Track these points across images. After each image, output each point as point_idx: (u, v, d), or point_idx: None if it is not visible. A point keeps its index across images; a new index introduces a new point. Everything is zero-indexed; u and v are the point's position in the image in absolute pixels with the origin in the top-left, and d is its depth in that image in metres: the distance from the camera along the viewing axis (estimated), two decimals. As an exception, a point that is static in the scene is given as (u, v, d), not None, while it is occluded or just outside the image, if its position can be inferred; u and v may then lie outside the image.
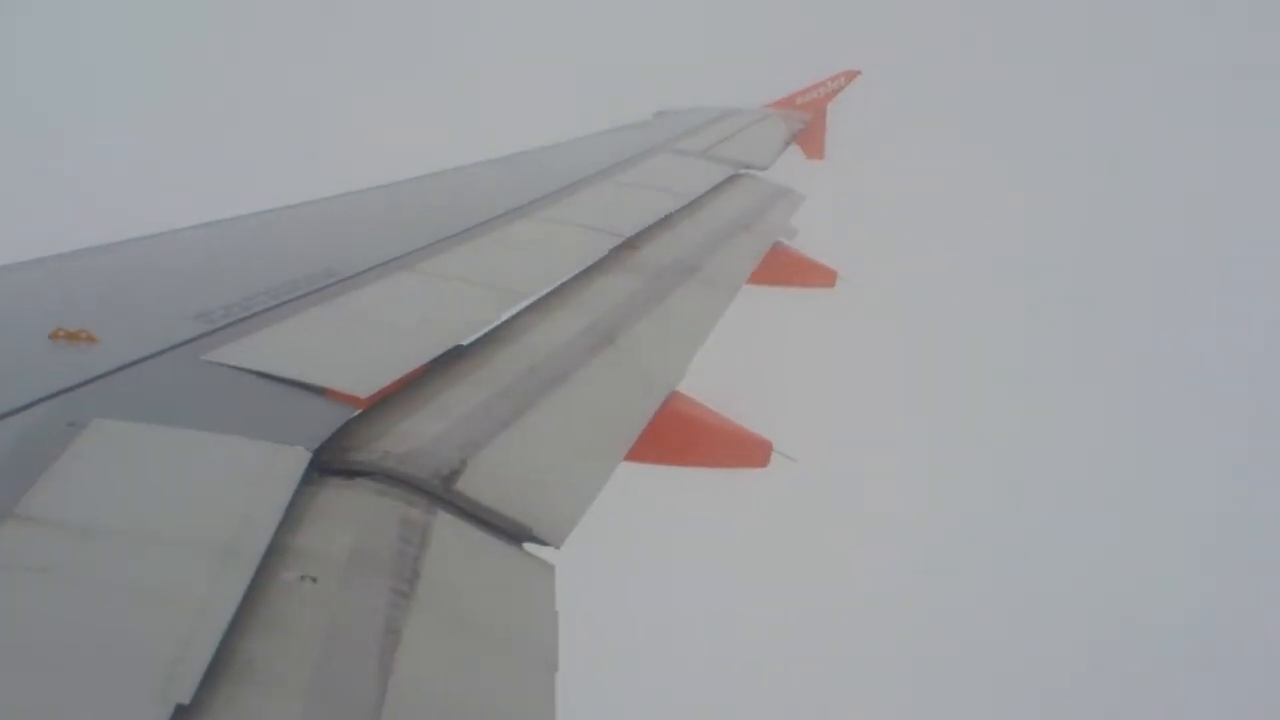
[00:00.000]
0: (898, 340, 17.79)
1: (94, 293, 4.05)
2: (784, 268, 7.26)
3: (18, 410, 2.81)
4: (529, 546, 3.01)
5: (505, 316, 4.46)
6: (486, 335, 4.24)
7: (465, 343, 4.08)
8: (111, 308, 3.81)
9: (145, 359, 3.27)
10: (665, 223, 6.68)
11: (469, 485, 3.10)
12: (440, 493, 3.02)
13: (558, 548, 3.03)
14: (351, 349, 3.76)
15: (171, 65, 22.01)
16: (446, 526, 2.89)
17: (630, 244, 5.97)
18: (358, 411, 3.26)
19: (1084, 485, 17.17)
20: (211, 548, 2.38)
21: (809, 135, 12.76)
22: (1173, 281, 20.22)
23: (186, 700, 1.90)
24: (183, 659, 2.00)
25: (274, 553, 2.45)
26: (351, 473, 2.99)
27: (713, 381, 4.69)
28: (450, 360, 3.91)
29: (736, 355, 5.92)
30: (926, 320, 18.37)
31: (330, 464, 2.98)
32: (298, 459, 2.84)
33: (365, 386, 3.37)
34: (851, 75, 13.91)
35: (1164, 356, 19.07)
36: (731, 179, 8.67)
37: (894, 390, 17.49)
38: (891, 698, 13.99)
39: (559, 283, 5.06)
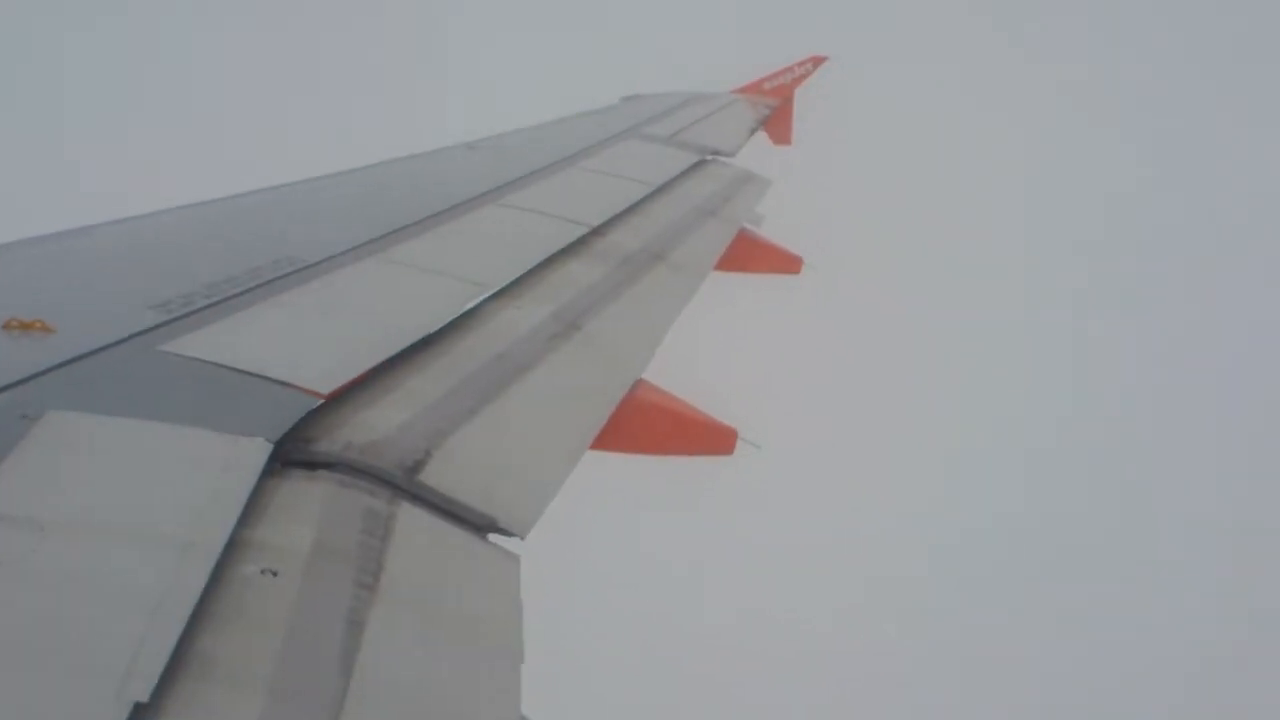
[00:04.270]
0: (863, 327, 17.83)
1: (49, 282, 3.98)
2: (750, 254, 7.25)
3: None
4: (494, 537, 2.99)
5: (471, 305, 4.43)
6: (451, 323, 4.21)
7: (430, 332, 4.05)
8: (67, 297, 3.75)
9: (102, 349, 3.22)
10: (632, 209, 6.66)
11: (433, 476, 3.08)
12: (404, 484, 3.00)
13: (523, 538, 3.01)
14: (314, 340, 3.72)
15: (128, 50, 21.72)
16: (410, 518, 2.87)
17: (597, 231, 5.95)
18: (319, 402, 3.22)
19: (1051, 469, 17.30)
20: (169, 541, 2.34)
21: (776, 121, 12.76)
22: (1146, 269, 20.39)
23: (145, 698, 1.87)
24: (140, 656, 1.97)
25: (234, 546, 2.41)
26: (314, 464, 2.96)
27: (678, 369, 4.68)
28: (415, 349, 3.88)
29: (702, 343, 5.92)
30: (892, 307, 18.43)
31: (292, 455, 2.94)
32: (258, 450, 2.81)
33: (328, 380, 3.33)
34: (819, 60, 13.91)
35: (1137, 347, 19.25)
36: (698, 165, 8.66)
37: (860, 377, 17.54)
38: (861, 689, 14.06)
39: (525, 270, 5.03)
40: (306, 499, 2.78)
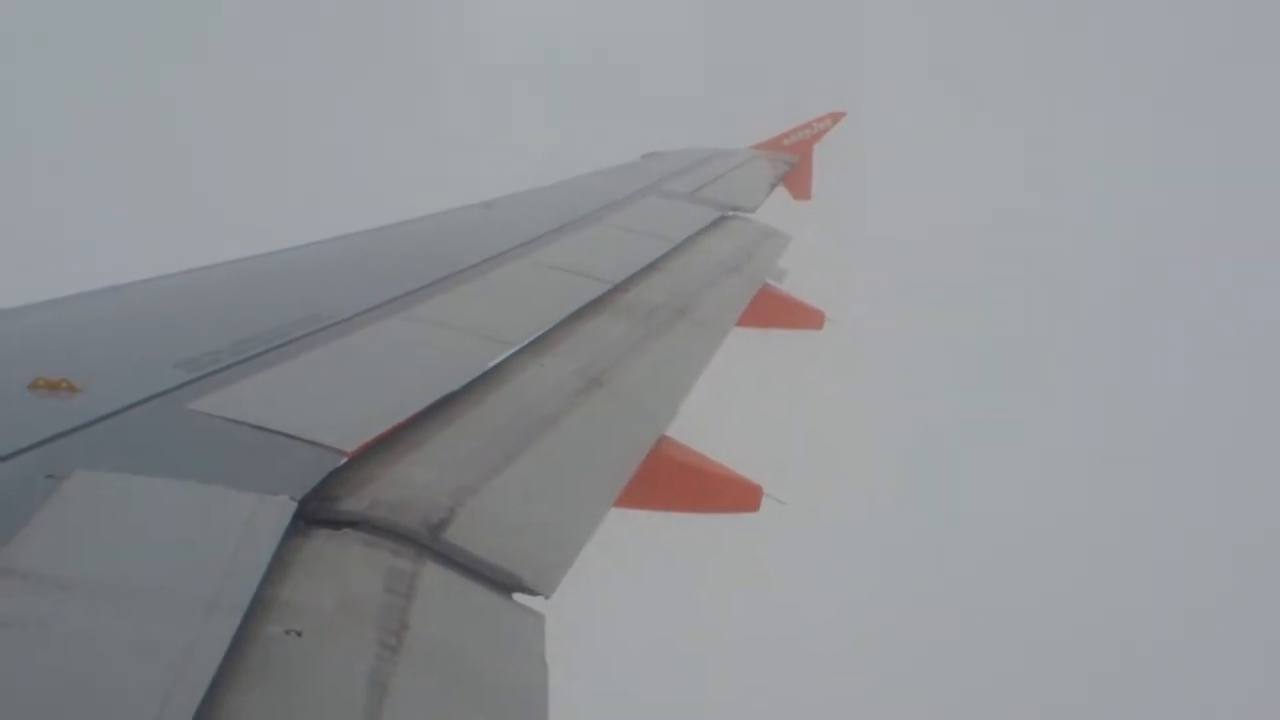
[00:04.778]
0: (887, 382, 17.79)
1: (76, 341, 4.01)
2: (773, 310, 7.25)
3: None
4: (518, 596, 2.96)
5: (494, 362, 4.43)
6: (475, 380, 4.21)
7: (454, 389, 4.05)
8: (94, 356, 3.77)
9: (128, 408, 3.23)
10: (654, 265, 6.67)
11: (458, 534, 3.06)
12: (428, 542, 2.98)
13: (547, 597, 2.98)
14: (339, 398, 3.72)
15: (154, 108, 22.06)
16: (434, 577, 2.85)
17: (620, 287, 5.95)
18: (344, 460, 3.22)
19: (1075, 531, 17.15)
20: (194, 601, 2.33)
21: (796, 177, 12.81)
22: (1181, 327, 20.29)
23: None
24: (164, 716, 1.95)
25: (258, 605, 2.40)
26: (338, 523, 2.94)
27: (703, 425, 4.66)
28: (439, 406, 3.87)
29: (726, 399, 5.90)
30: (915, 361, 18.40)
31: (316, 514, 2.93)
32: (282, 509, 2.80)
33: (353, 437, 3.33)
34: (837, 116, 13.98)
35: (1157, 400, 19.13)
36: (719, 221, 8.68)
37: (884, 432, 17.47)
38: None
39: (548, 326, 5.04)
40: (331, 558, 2.77)
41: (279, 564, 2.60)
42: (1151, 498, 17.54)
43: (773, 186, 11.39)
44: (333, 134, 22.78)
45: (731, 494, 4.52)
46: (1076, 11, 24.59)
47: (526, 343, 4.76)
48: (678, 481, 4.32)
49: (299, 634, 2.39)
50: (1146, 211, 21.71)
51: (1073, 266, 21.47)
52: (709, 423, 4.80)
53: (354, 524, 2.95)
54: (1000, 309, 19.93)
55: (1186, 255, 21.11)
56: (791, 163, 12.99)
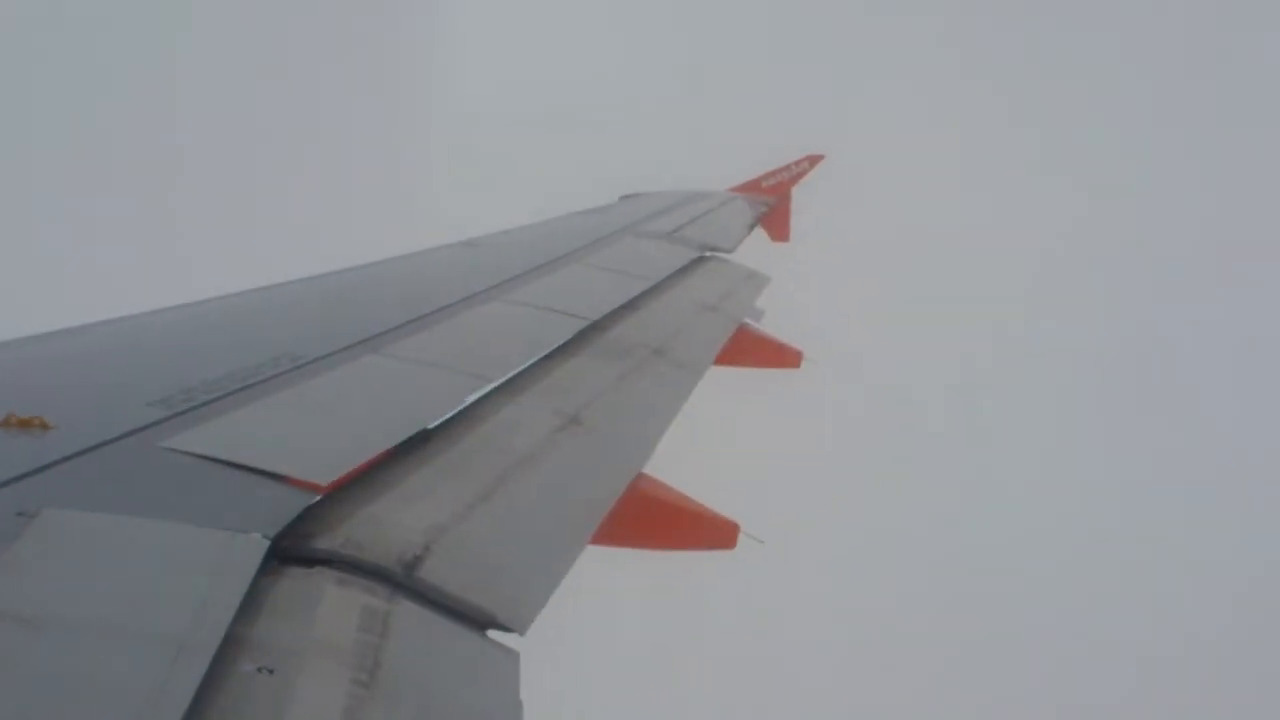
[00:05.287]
0: (863, 421, 17.84)
1: (48, 379, 3.98)
2: (750, 349, 7.27)
3: None
4: (493, 633, 2.95)
5: (471, 399, 4.42)
6: (451, 418, 4.20)
7: (430, 426, 4.04)
8: (67, 394, 3.75)
9: (100, 446, 3.21)
10: (632, 305, 6.69)
11: (431, 572, 3.05)
12: (402, 580, 2.96)
13: (522, 634, 2.97)
14: (314, 434, 3.71)
15: (124, 142, 22.03)
16: (408, 615, 2.83)
17: (597, 326, 5.96)
18: (317, 498, 3.20)
19: (1055, 567, 17.18)
20: (165, 640, 2.31)
21: (774, 218, 12.89)
22: (1151, 362, 20.45)
23: None
24: None
25: (230, 644, 2.38)
26: (311, 560, 2.93)
27: (680, 463, 4.66)
28: (414, 443, 3.86)
29: (703, 437, 5.90)
30: (892, 401, 18.46)
31: (290, 551, 2.92)
32: (255, 547, 2.78)
33: (326, 474, 3.31)
34: (815, 159, 14.10)
35: (1142, 439, 19.24)
36: (697, 261, 8.72)
37: (861, 470, 17.49)
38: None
39: (525, 364, 5.04)
40: (303, 595, 2.75)
41: (251, 602, 2.58)
42: (1135, 549, 17.59)
43: (751, 227, 11.46)
44: (315, 173, 22.80)
45: (708, 532, 4.52)
46: (1054, 53, 24.92)
47: (504, 380, 4.75)
48: (654, 519, 4.31)
49: (271, 672, 2.37)
50: (1126, 249, 21.93)
51: (1050, 307, 21.64)
52: (686, 461, 4.80)
53: (327, 561, 2.94)
54: (976, 349, 20.04)
55: (1160, 291, 21.36)
56: (770, 204, 13.08)
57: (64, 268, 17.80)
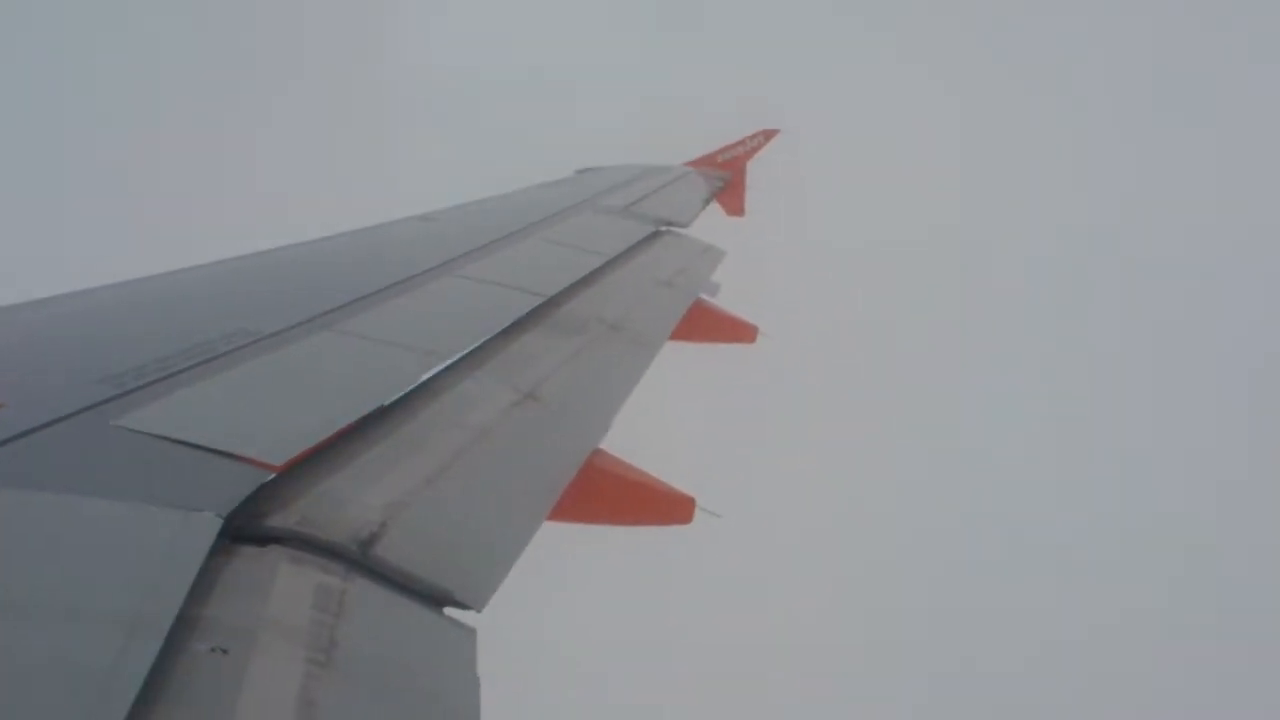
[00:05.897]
0: (818, 394, 17.94)
1: None
2: (705, 324, 7.29)
3: None
4: (450, 611, 2.95)
5: (426, 376, 4.40)
6: (406, 395, 4.18)
7: (386, 403, 4.02)
8: (14, 371, 3.69)
9: (49, 424, 3.17)
10: (587, 280, 6.68)
11: (387, 549, 3.04)
12: (358, 557, 2.95)
13: (479, 611, 2.97)
14: (267, 412, 3.67)
15: (78, 117, 21.68)
16: (363, 592, 2.82)
17: (553, 301, 5.96)
18: (271, 476, 3.18)
19: (1017, 538, 17.38)
20: (115, 620, 2.29)
21: (729, 193, 12.90)
22: (1117, 339, 20.68)
23: None
24: None
25: (182, 624, 2.36)
26: (266, 539, 2.91)
27: (636, 438, 4.67)
28: (369, 420, 3.84)
29: (659, 412, 5.92)
30: (847, 374, 18.57)
31: (243, 530, 2.90)
32: (207, 526, 2.76)
33: (281, 453, 3.29)
34: (770, 134, 14.11)
35: (1101, 415, 19.46)
36: (653, 236, 8.71)
37: (816, 444, 17.61)
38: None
39: (481, 341, 5.02)
40: (257, 575, 2.73)
41: (204, 582, 2.56)
42: (1099, 514, 17.82)
43: (706, 202, 11.47)
44: (270, 147, 22.54)
45: (665, 506, 4.54)
46: (1015, 25, 25.05)
47: (459, 356, 4.74)
48: (611, 494, 4.32)
49: (225, 652, 2.36)
50: (1087, 224, 22.15)
51: (1009, 278, 21.83)
52: (642, 436, 4.81)
53: (282, 540, 2.92)
54: (932, 323, 20.20)
55: (1124, 272, 21.60)
56: (725, 179, 13.08)
57: (14, 243, 17.51)
